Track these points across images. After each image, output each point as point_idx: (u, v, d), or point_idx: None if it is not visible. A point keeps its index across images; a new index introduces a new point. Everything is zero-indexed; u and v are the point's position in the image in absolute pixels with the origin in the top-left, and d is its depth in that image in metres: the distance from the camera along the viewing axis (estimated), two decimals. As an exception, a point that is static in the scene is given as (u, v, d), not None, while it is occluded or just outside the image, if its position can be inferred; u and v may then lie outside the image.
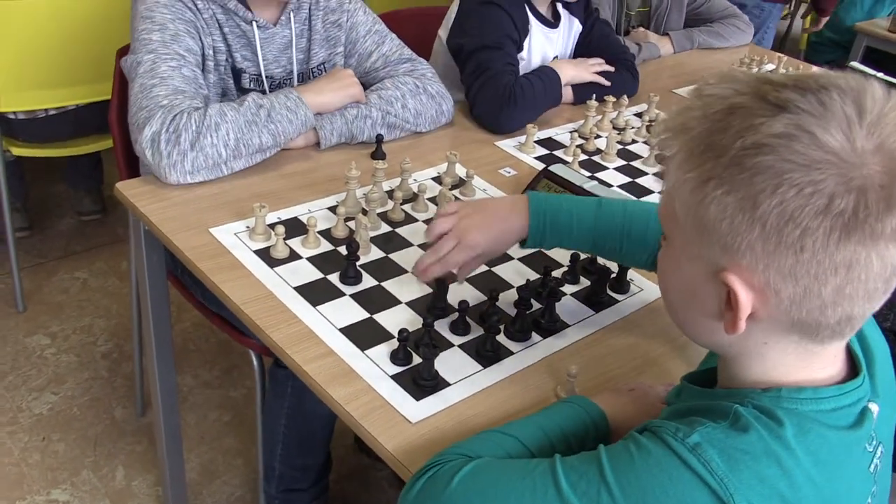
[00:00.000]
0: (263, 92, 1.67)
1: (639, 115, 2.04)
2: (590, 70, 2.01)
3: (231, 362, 2.42)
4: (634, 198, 1.63)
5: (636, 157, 1.84)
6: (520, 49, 1.96)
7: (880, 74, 2.42)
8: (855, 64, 2.57)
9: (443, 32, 2.04)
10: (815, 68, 2.62)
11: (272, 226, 1.34)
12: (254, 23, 1.62)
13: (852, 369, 0.80)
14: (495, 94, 1.81)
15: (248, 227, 1.36)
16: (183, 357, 2.40)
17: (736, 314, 0.72)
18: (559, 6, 2.08)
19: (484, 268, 1.35)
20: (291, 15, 1.67)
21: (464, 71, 1.89)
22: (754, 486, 0.70)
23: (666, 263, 0.81)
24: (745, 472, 0.70)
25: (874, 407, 0.79)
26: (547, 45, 2.06)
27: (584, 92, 1.99)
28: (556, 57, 2.10)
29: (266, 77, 1.68)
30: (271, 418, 1.71)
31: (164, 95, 1.44)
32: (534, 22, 2.01)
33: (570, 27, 2.12)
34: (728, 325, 0.74)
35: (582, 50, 2.13)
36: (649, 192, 1.68)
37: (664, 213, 0.79)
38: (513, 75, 1.84)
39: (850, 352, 0.81)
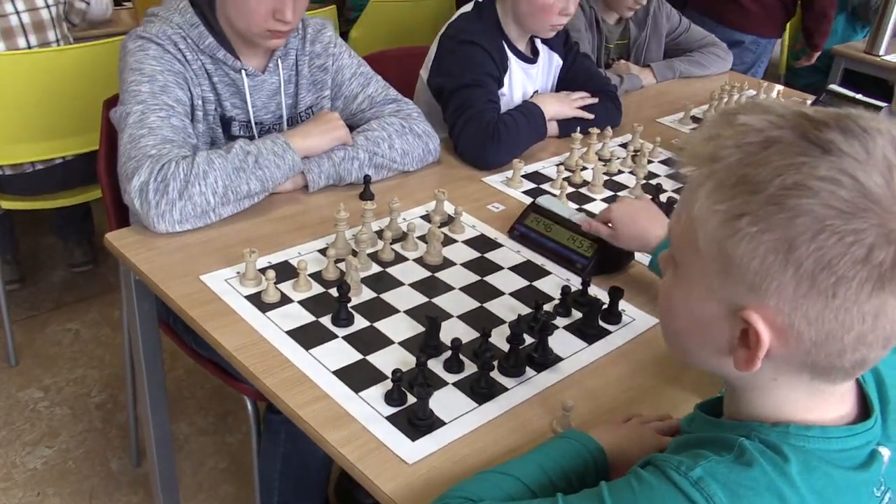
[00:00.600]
0: (252, 138, 1.68)
1: (623, 145, 2.06)
2: (573, 105, 2.03)
3: (226, 408, 2.40)
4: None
5: (623, 187, 1.86)
6: (500, 85, 1.98)
7: (859, 96, 2.45)
8: (834, 87, 2.60)
9: (424, 73, 2.06)
10: (796, 93, 2.66)
11: (263, 270, 1.34)
12: (243, 71, 1.64)
13: (864, 411, 0.79)
14: (478, 130, 1.82)
15: (238, 272, 1.36)
16: (177, 405, 2.38)
17: (754, 353, 0.71)
18: (538, 42, 2.10)
19: (475, 304, 1.36)
20: (279, 62, 1.69)
21: (446, 110, 1.91)
22: None
23: (675, 292, 0.78)
24: None
25: (885, 451, 0.77)
26: (526, 80, 2.09)
27: (568, 125, 2.01)
28: (536, 91, 2.12)
29: (255, 123, 1.69)
30: (267, 464, 1.69)
31: (152, 145, 1.45)
32: (512, 59, 2.03)
33: (550, 62, 2.15)
34: (741, 363, 0.72)
35: (565, 83, 2.15)
36: (637, 221, 1.69)
37: (681, 240, 0.75)
38: (495, 112, 1.86)
39: (862, 393, 0.80)
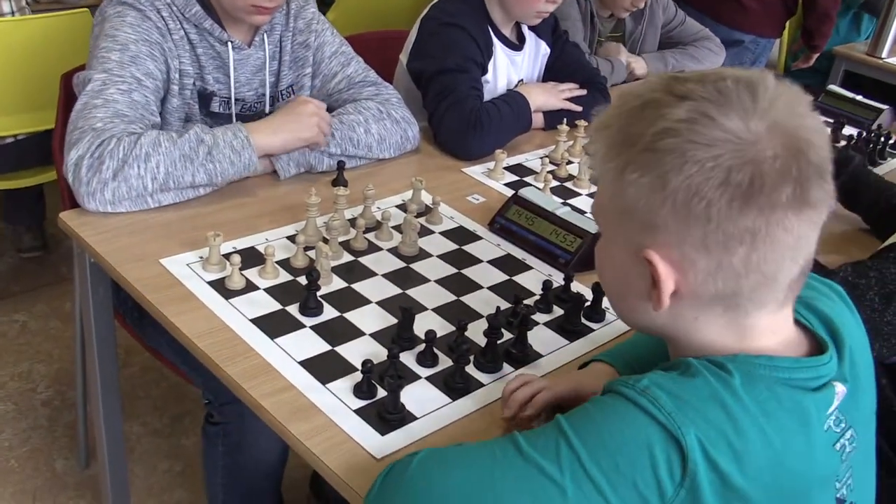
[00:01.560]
0: (231, 115, 1.69)
1: (612, 140, 2.08)
2: (560, 97, 2.05)
3: (183, 408, 2.39)
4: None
5: (610, 182, 1.88)
6: (484, 72, 1.99)
7: (859, 97, 2.50)
8: (833, 87, 2.65)
9: (403, 57, 2.07)
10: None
11: (227, 256, 1.34)
12: (229, 43, 1.64)
13: (815, 348, 0.87)
14: (460, 118, 1.84)
15: (201, 257, 1.37)
16: (131, 404, 2.37)
17: (659, 289, 0.82)
18: (524, 28, 2.12)
19: (452, 297, 1.37)
20: (265, 36, 1.70)
21: (426, 95, 1.92)
22: (701, 426, 0.76)
23: (601, 255, 0.91)
24: (692, 412, 0.77)
25: (840, 386, 0.85)
26: (511, 68, 2.11)
27: (554, 117, 2.03)
28: (521, 80, 2.14)
29: (237, 100, 1.69)
30: (209, 475, 1.68)
31: (101, 118, 1.44)
32: (497, 44, 2.05)
33: (537, 50, 2.17)
34: (655, 302, 0.83)
35: (552, 73, 2.18)
36: (624, 218, 1.72)
37: (595, 209, 0.89)
38: (478, 99, 1.88)
39: (810, 333, 0.89)
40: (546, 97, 2.03)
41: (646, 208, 0.79)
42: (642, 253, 0.81)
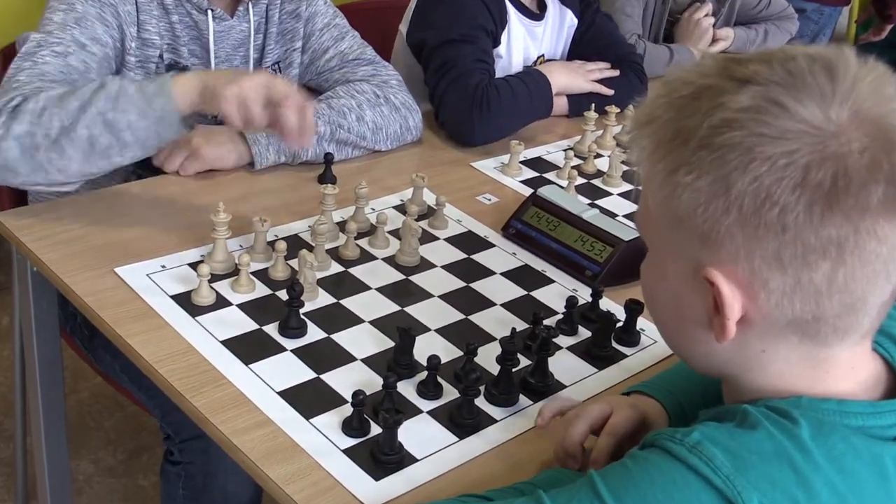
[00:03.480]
0: None
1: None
2: (588, 77, 2.05)
3: (140, 443, 2.39)
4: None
5: (646, 180, 1.87)
6: (496, 43, 1.99)
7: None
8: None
9: (403, 27, 2.08)
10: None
11: (194, 265, 1.34)
12: (209, 11, 1.65)
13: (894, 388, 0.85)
14: (463, 95, 1.84)
15: (163, 265, 1.37)
16: (79, 436, 2.37)
17: (723, 316, 0.79)
18: None
19: (459, 315, 1.37)
20: (250, 6, 1.71)
21: (427, 70, 1.92)
22: (765, 489, 0.74)
23: (648, 275, 0.89)
24: (753, 473, 0.75)
25: None
26: (530, 41, 2.10)
27: (581, 102, 2.03)
28: (541, 56, 2.13)
29: None
30: None
31: (22, 82, 1.44)
32: (513, 12, 2.04)
33: (562, 20, 2.16)
34: (718, 332, 0.80)
35: (578, 49, 2.17)
36: (662, 222, 1.71)
37: (640, 218, 0.87)
38: (486, 73, 1.88)
39: (892, 370, 0.86)
40: (571, 78, 2.03)
41: (704, 217, 0.77)
42: (702, 272, 0.79)
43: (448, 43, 1.89)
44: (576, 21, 2.17)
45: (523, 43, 2.09)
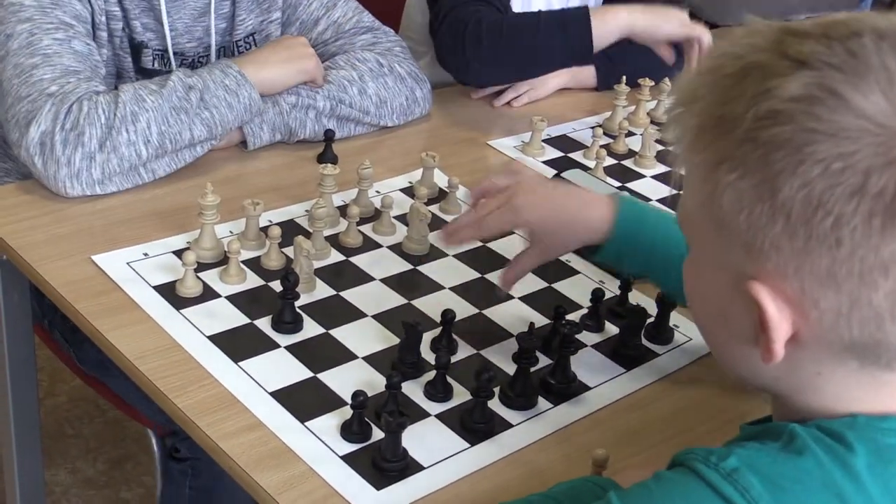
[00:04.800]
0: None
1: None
2: (696, 29, 1.88)
3: (123, 451, 2.41)
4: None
5: (682, 160, 1.87)
6: None
7: None
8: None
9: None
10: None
11: (179, 253, 1.35)
12: None
13: None
14: (455, 25, 1.82)
15: (145, 253, 1.38)
16: (56, 444, 2.39)
17: (769, 337, 0.76)
18: None
19: (472, 309, 1.37)
20: None
21: (431, 13, 1.91)
22: None
23: (690, 277, 0.87)
24: None
25: None
26: None
27: (609, 72, 2.02)
28: None
29: (174, 53, 1.70)
30: None
31: (51, 79, 1.46)
32: None
33: None
34: (763, 353, 0.78)
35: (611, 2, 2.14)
36: (700, 207, 1.71)
37: (681, 215, 0.85)
38: (487, 3, 1.85)
39: None
40: (653, 18, 1.86)
41: (748, 224, 0.74)
42: (745, 284, 0.76)
43: None
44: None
45: None
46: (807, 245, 0.72)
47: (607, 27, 1.83)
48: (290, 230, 1.45)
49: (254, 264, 1.39)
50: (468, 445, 1.15)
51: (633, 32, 1.85)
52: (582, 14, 1.82)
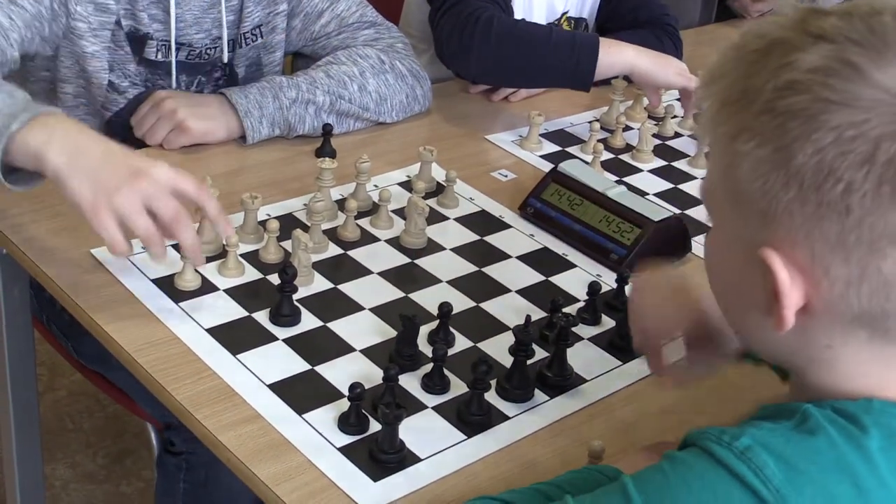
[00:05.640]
0: (170, 64, 1.69)
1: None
2: (685, 75, 1.90)
3: (123, 446, 2.41)
4: (676, 209, 1.66)
5: (681, 155, 1.88)
6: None
7: None
8: None
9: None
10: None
11: (178, 246, 1.35)
12: None
13: None
14: (461, 16, 1.81)
15: (144, 247, 1.37)
16: (55, 438, 2.40)
17: (780, 303, 0.77)
18: None
19: (469, 303, 1.38)
20: None
21: (431, 9, 1.91)
22: None
23: (711, 251, 0.89)
24: (809, 488, 0.73)
25: None
26: None
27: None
28: (565, 14, 2.12)
29: (181, 44, 1.69)
30: None
31: None
32: None
33: None
34: (776, 320, 0.79)
35: (609, 6, 2.15)
36: (697, 202, 1.71)
37: (704, 190, 0.87)
38: (493, 5, 1.85)
39: None
40: (657, 63, 1.88)
41: (763, 191, 0.76)
42: (758, 251, 0.78)
43: None
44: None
45: None
46: (817, 211, 0.74)
47: (612, 60, 1.85)
48: (289, 224, 1.46)
49: (252, 258, 1.40)
50: (465, 437, 1.15)
51: (633, 72, 1.88)
52: (592, 41, 1.84)
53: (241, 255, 1.38)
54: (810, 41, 0.75)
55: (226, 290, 1.33)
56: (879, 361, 0.80)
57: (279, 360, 1.23)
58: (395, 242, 1.48)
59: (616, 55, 1.85)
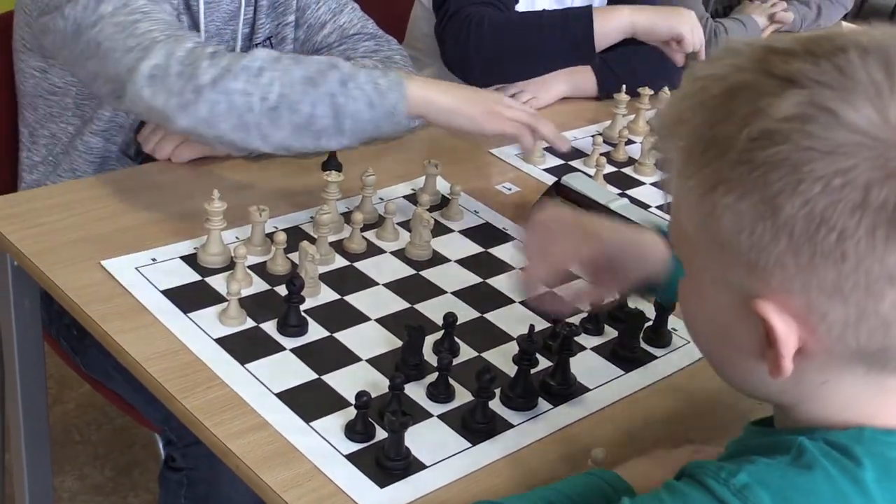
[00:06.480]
0: None
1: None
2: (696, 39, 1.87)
3: (131, 458, 2.42)
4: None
5: (682, 168, 1.89)
6: None
7: None
8: None
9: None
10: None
11: (187, 258, 1.37)
12: None
13: None
14: (459, 23, 1.83)
15: (153, 259, 1.39)
16: (64, 450, 2.40)
17: (777, 352, 0.77)
18: None
19: (473, 313, 1.39)
20: None
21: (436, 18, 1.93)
22: None
23: (688, 297, 0.87)
24: None
25: None
26: None
27: (610, 81, 2.04)
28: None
29: None
30: None
31: (159, 30, 1.44)
32: None
33: None
34: (772, 368, 0.78)
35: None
36: (699, 214, 1.73)
37: (674, 233, 0.86)
38: (491, 4, 1.87)
39: None
40: (662, 18, 1.85)
41: (750, 243, 0.74)
42: (750, 303, 0.76)
43: None
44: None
45: None
46: (812, 261, 0.72)
47: (609, 25, 1.83)
48: (296, 236, 1.47)
49: (260, 269, 1.41)
50: (469, 445, 1.16)
51: (634, 31, 1.85)
52: (584, 13, 1.83)
53: (249, 267, 1.39)
54: (777, 85, 0.73)
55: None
56: (874, 390, 0.80)
57: (287, 370, 1.24)
58: (400, 254, 1.50)
59: (612, 18, 1.84)
